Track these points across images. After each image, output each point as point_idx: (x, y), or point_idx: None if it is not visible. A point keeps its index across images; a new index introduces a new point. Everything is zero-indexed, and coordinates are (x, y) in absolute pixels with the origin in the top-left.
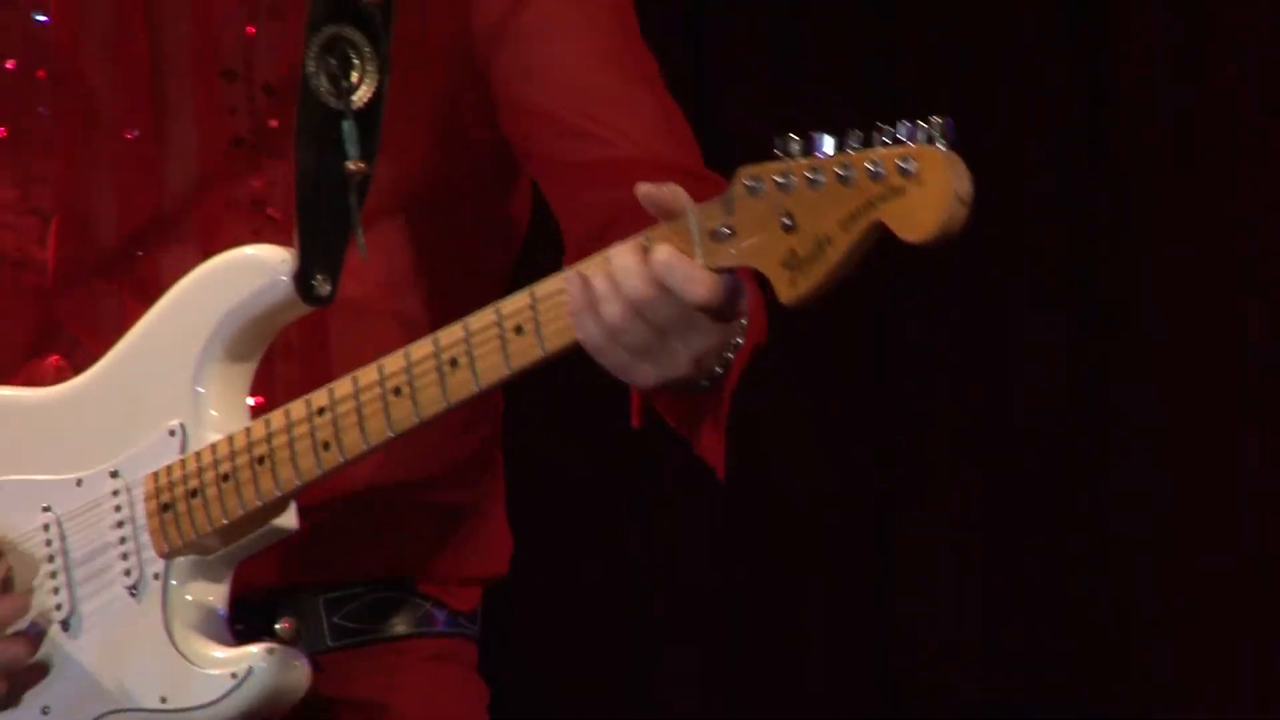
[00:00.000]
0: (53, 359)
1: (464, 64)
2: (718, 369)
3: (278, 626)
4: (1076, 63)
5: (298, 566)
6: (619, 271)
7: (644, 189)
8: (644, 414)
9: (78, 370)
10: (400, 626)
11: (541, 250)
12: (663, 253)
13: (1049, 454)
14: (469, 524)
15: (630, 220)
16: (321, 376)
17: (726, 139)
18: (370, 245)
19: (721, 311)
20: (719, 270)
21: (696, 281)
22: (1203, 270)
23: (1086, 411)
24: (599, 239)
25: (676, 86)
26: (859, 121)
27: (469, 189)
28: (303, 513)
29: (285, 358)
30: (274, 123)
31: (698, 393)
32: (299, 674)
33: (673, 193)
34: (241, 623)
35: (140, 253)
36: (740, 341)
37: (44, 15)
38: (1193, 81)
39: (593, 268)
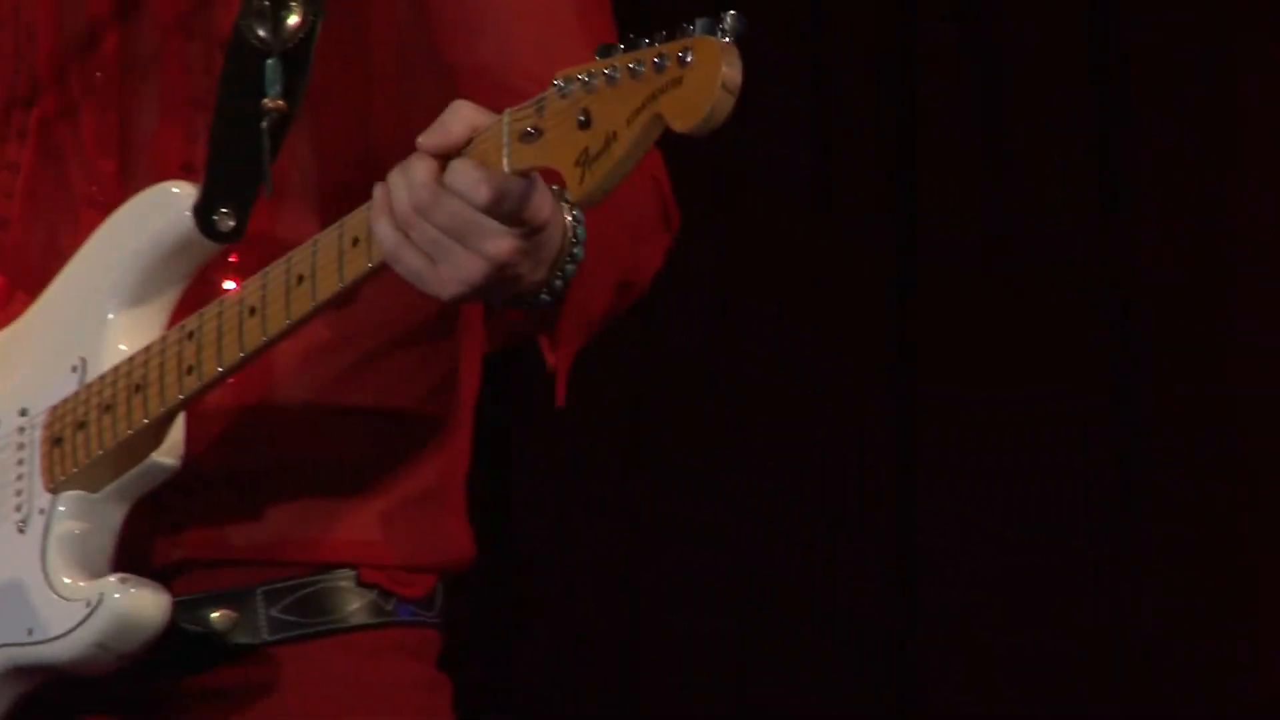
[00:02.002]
0: (22, 303)
1: (404, 21)
2: (556, 282)
3: (214, 616)
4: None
5: (228, 543)
6: (410, 170)
7: (425, 141)
8: (498, 342)
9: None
10: (345, 617)
11: None
12: (454, 165)
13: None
14: (418, 510)
15: None
16: None
17: None
18: (310, 193)
19: (512, 216)
20: (520, 173)
21: (479, 184)
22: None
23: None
24: None
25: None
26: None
27: (400, 150)
28: (237, 487)
29: None
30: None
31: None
32: (154, 603)
33: (446, 131)
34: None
35: (101, 199)
36: (578, 253)
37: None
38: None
39: (393, 175)
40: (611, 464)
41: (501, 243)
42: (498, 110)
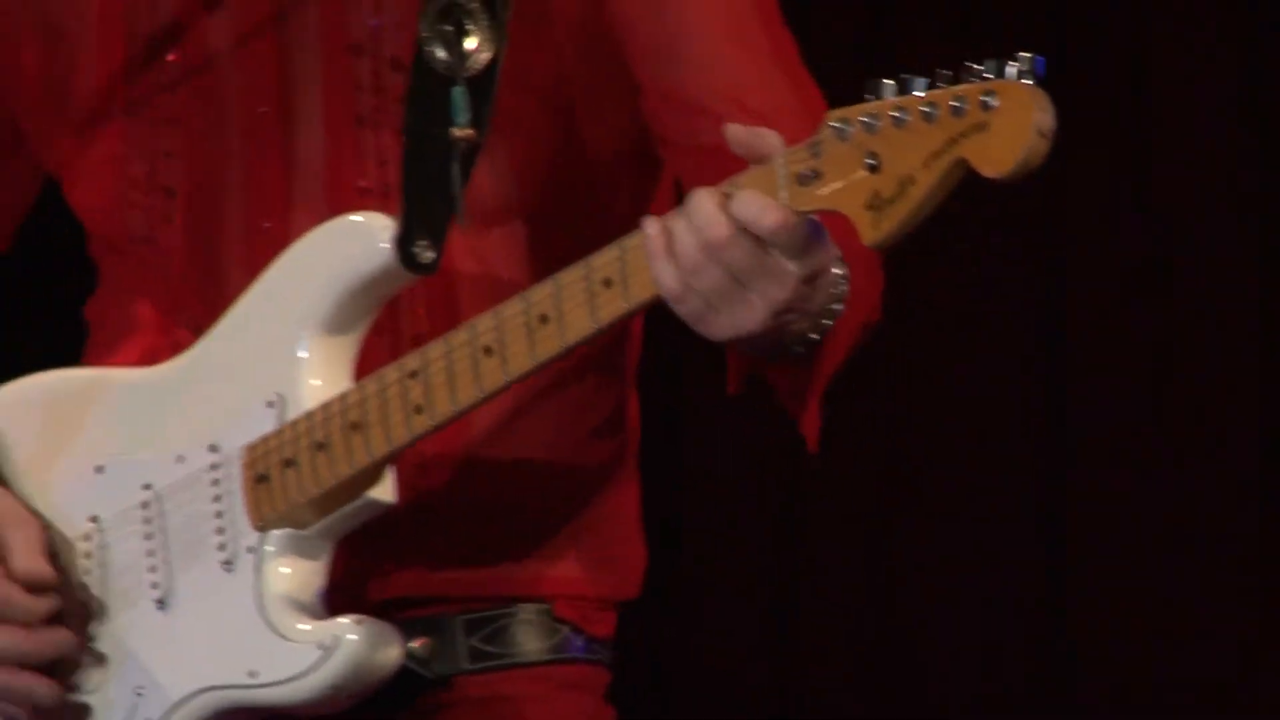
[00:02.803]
0: (180, 334)
1: (592, 46)
2: (811, 334)
3: (412, 645)
4: None
5: (436, 581)
6: (695, 212)
7: (732, 130)
8: (741, 381)
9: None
10: (537, 651)
11: None
12: (741, 194)
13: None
14: (605, 542)
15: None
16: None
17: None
18: (490, 224)
19: (796, 250)
20: (802, 214)
21: (769, 209)
22: None
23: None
24: (702, 170)
25: None
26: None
27: (594, 175)
28: (440, 525)
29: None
30: (398, 99)
31: (798, 363)
32: (391, 648)
33: (760, 135)
34: None
35: (267, 225)
36: (838, 309)
37: None
38: None
39: (672, 216)
40: (769, 499)
41: (785, 287)
42: (691, 133)
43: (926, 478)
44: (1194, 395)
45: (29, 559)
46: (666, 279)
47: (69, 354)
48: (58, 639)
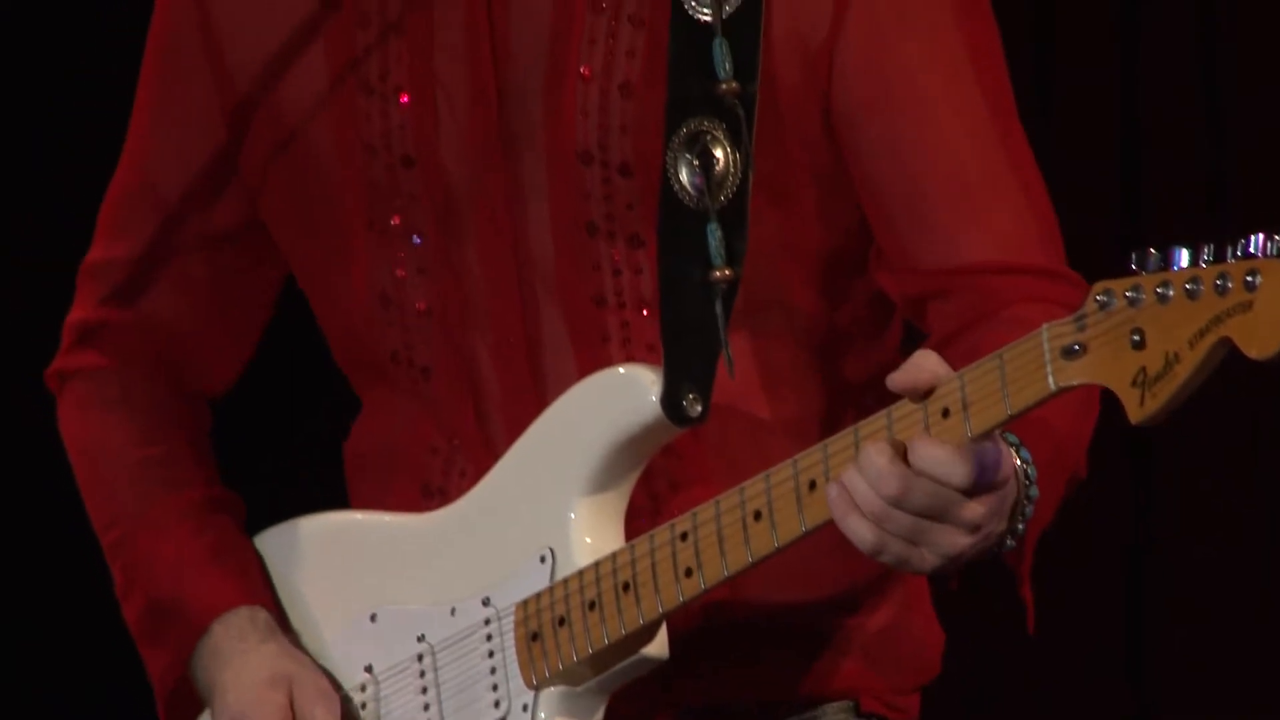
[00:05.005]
0: (442, 465)
1: (821, 153)
2: (1019, 525)
3: None
4: None
5: (722, 695)
6: (868, 470)
7: (896, 379)
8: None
9: (464, 476)
10: None
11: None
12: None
13: None
14: (900, 629)
15: (985, 328)
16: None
17: None
18: (737, 347)
19: (982, 488)
20: (1064, 389)
21: (955, 468)
22: None
23: None
24: (949, 345)
25: None
26: None
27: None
28: (725, 648)
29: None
30: (628, 206)
31: (1007, 551)
32: None
33: (917, 372)
34: None
35: (512, 339)
36: (1034, 493)
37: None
38: None
39: (849, 472)
40: None
41: (977, 509)
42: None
43: None
44: None
45: None
46: (862, 534)
47: (330, 489)
48: None
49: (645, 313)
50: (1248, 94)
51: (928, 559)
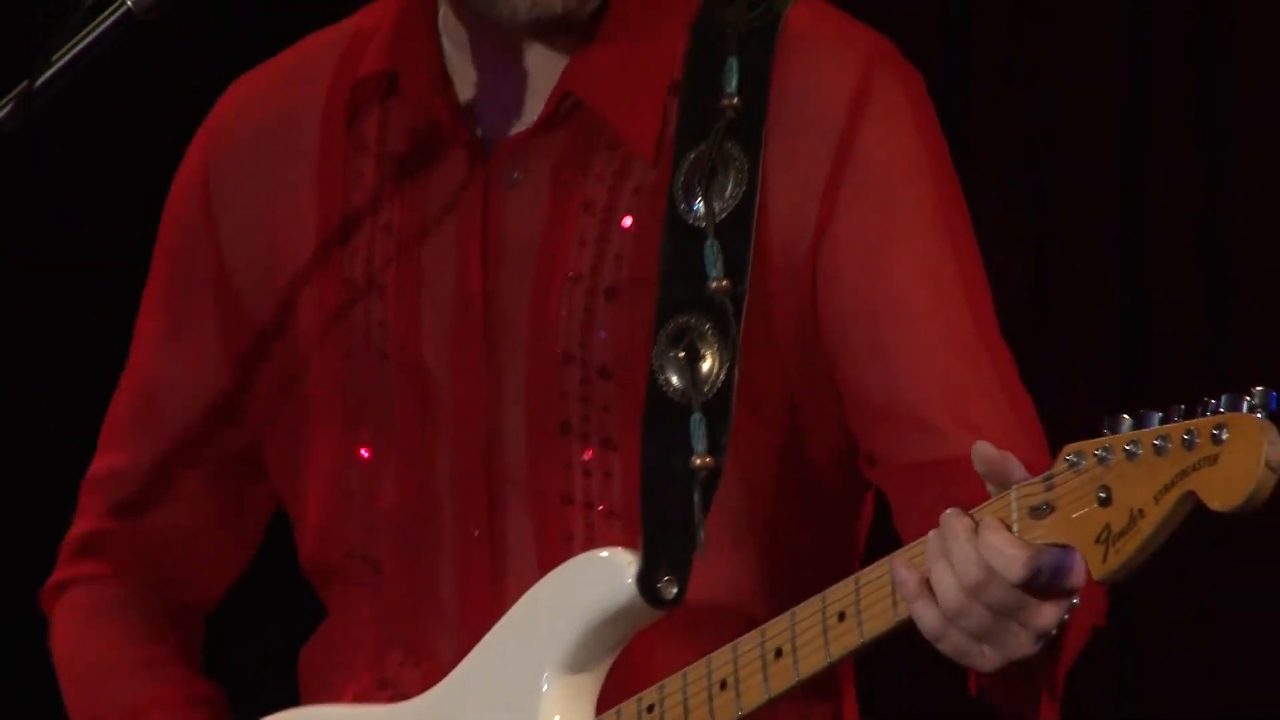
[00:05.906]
0: (399, 657)
1: (811, 363)
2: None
3: None
4: None
5: None
6: (953, 553)
7: (983, 449)
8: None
9: (419, 666)
10: None
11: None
12: (988, 534)
13: None
14: None
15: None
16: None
17: None
18: (715, 546)
19: (1044, 589)
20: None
21: (1013, 560)
22: None
23: None
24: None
25: None
26: None
27: (812, 492)
28: None
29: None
30: (605, 409)
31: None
32: None
33: (1009, 461)
34: None
35: (476, 532)
36: (1063, 622)
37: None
38: None
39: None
40: None
41: (1051, 613)
42: (905, 448)
43: None
44: None
45: None
46: (928, 620)
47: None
48: None
49: (611, 514)
50: (1248, 94)
51: (990, 657)
